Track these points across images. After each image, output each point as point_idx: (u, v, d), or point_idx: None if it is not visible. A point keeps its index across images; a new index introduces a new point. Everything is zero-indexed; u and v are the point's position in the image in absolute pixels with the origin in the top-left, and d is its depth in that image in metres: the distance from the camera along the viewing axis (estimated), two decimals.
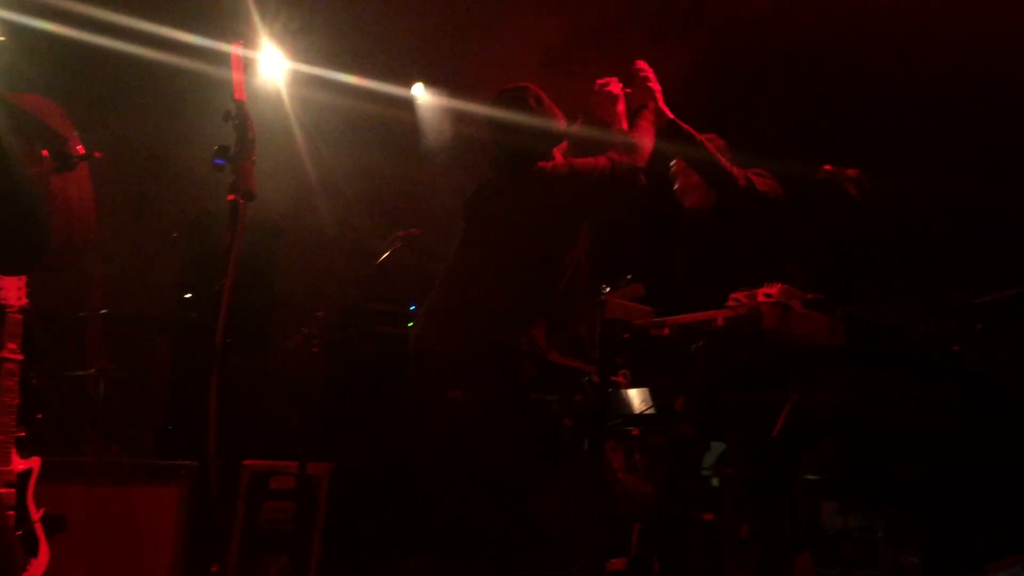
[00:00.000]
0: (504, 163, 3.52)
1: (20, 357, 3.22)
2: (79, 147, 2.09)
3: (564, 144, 3.64)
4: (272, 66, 5.51)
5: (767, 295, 3.37)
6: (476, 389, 3.20)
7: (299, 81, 5.66)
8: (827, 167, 3.45)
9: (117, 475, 3.75)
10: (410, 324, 5.00)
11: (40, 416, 3.87)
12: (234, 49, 2.53)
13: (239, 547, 4.10)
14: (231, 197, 2.31)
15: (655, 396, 4.16)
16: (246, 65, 5.55)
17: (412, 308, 5.12)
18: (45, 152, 1.99)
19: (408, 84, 6.00)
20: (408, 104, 6.02)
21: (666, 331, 3.73)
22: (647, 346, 3.87)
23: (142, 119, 5.60)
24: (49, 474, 3.35)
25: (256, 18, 4.96)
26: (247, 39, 5.24)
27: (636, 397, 4.21)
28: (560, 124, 3.54)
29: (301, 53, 5.54)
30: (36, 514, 3.24)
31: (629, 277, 4.05)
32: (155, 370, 5.16)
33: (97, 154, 2.11)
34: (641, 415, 4.17)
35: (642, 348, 3.90)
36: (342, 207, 6.08)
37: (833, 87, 5.06)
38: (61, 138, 2.08)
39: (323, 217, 6.02)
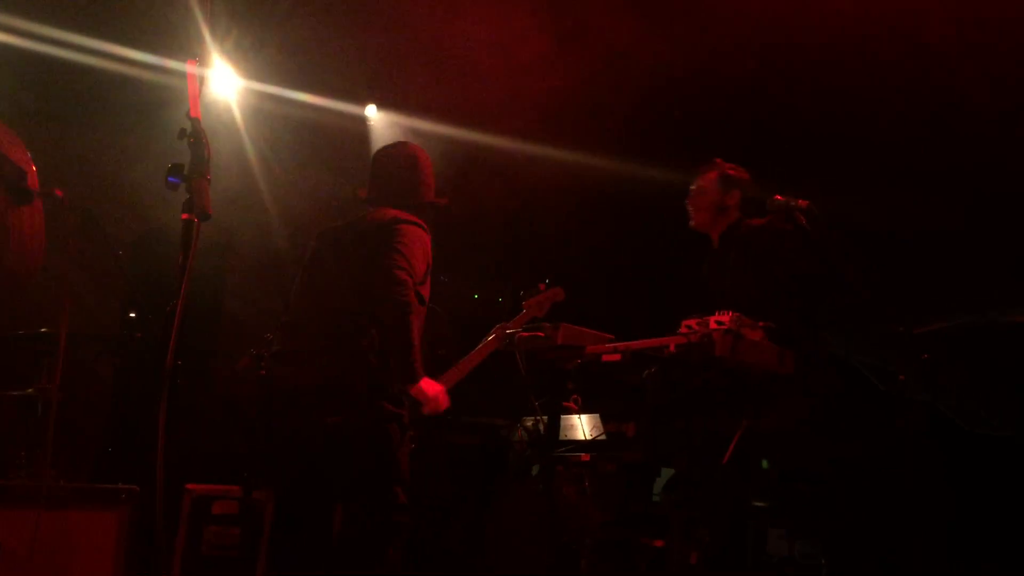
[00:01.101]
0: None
1: None
2: (35, 181, 2.10)
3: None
4: (223, 83, 5.47)
5: (719, 323, 3.40)
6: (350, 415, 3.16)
7: (251, 98, 5.62)
8: (778, 197, 3.50)
9: (54, 499, 3.62)
10: None
11: None
12: (189, 67, 2.49)
13: (180, 574, 4.00)
14: (185, 216, 2.26)
15: (606, 422, 4.17)
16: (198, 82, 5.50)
17: None
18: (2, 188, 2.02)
19: (360, 101, 5.99)
20: (360, 120, 6.01)
21: (618, 357, 3.74)
22: (599, 372, 3.88)
23: (88, 135, 5.50)
24: None
25: (207, 36, 4.91)
26: (199, 57, 5.18)
27: (587, 423, 4.22)
28: (428, 196, 3.53)
29: (253, 71, 5.51)
30: None
31: (546, 282, 4.03)
32: (96, 391, 5.03)
33: (58, 192, 2.12)
34: (592, 441, 4.18)
35: (594, 374, 3.91)
36: (293, 225, 6.03)
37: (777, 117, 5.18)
38: (20, 172, 2.08)
39: (274, 235, 5.96)
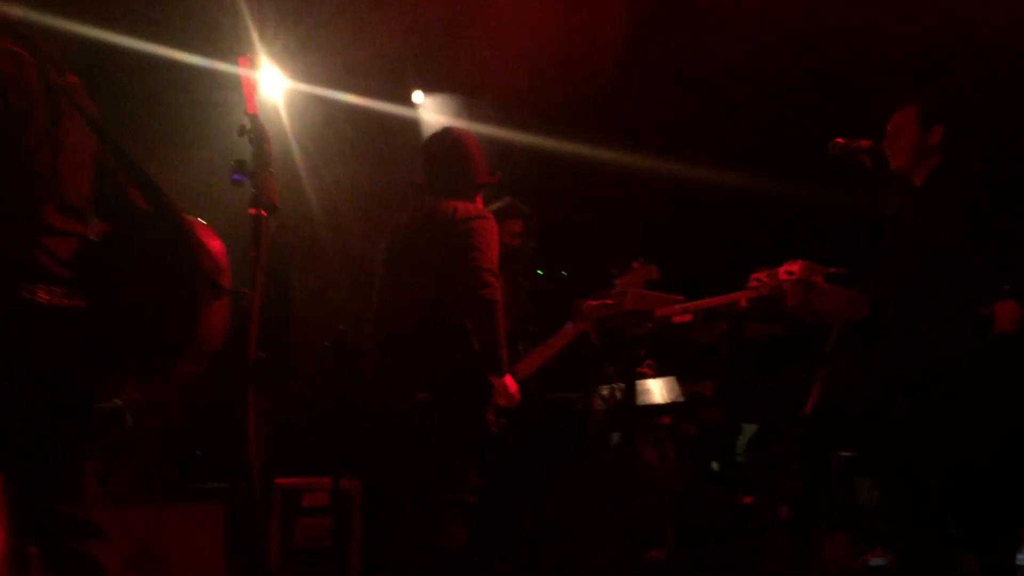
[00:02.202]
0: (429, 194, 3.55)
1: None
2: (228, 279, 2.32)
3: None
4: (271, 84, 5.53)
5: (789, 272, 3.36)
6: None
7: (297, 98, 5.68)
8: (839, 140, 3.43)
9: (154, 499, 3.76)
10: None
11: None
12: (241, 65, 2.53)
13: (278, 565, 4.09)
14: (253, 211, 2.30)
15: (682, 384, 4.16)
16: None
17: None
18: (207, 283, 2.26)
19: (406, 100, 6.02)
20: (408, 120, 6.04)
21: (689, 317, 3.72)
22: (671, 334, 3.87)
23: (141, 138, 5.61)
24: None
25: (255, 38, 4.97)
26: (249, 58, 5.25)
27: (663, 387, 4.21)
28: (482, 178, 3.55)
29: (299, 71, 5.57)
30: None
31: (640, 260, 4.01)
32: (176, 396, 5.17)
33: (245, 291, 2.29)
34: (670, 404, 4.17)
35: (666, 336, 3.90)
36: (340, 220, 6.10)
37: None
38: (218, 269, 2.29)
39: (322, 232, 6.03)
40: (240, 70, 2.49)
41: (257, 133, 2.37)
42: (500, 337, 3.24)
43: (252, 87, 2.48)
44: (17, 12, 2.33)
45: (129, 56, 4.92)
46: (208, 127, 5.67)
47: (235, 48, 5.23)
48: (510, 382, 3.31)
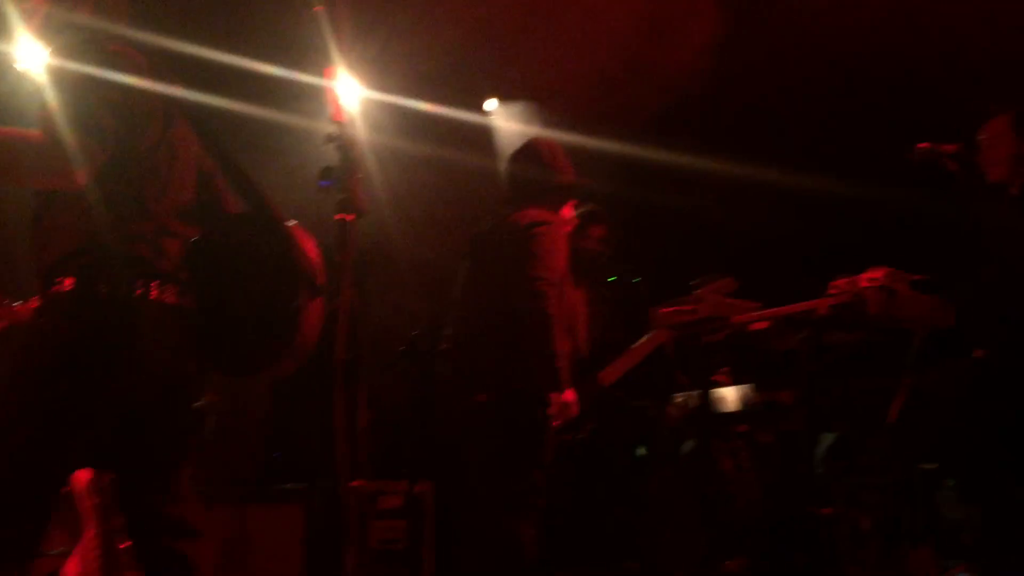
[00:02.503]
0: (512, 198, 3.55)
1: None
2: (324, 279, 2.35)
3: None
4: (347, 94, 5.62)
5: (871, 279, 3.31)
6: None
7: (373, 107, 5.76)
8: (922, 145, 3.37)
9: (239, 498, 3.85)
10: None
11: None
12: (327, 75, 2.59)
13: (354, 567, 4.14)
14: (339, 216, 2.34)
15: (759, 391, 4.11)
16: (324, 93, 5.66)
17: None
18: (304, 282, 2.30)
19: (479, 107, 6.07)
20: (480, 127, 6.08)
21: (766, 324, 3.69)
22: (747, 342, 3.83)
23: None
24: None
25: (333, 49, 5.06)
26: (329, 69, 5.36)
27: (739, 395, 4.17)
28: (561, 180, 3.53)
29: (375, 81, 5.65)
30: None
31: (717, 273, 4.00)
32: (255, 400, 5.27)
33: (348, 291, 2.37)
34: (746, 412, 4.12)
35: (743, 344, 3.86)
36: (413, 227, 6.16)
37: None
38: (316, 270, 2.33)
39: (395, 238, 6.10)
40: (325, 80, 2.55)
41: (344, 140, 2.42)
42: (552, 347, 3.21)
43: (336, 95, 2.54)
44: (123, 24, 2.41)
45: (209, 68, 5.06)
46: (287, 137, 5.80)
47: (313, 59, 5.35)
48: (568, 396, 3.28)
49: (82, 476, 2.58)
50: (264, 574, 3.82)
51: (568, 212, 3.54)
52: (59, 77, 2.19)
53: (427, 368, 4.41)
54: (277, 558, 3.84)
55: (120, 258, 2.22)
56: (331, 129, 2.47)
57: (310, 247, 2.36)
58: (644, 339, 3.76)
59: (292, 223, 2.40)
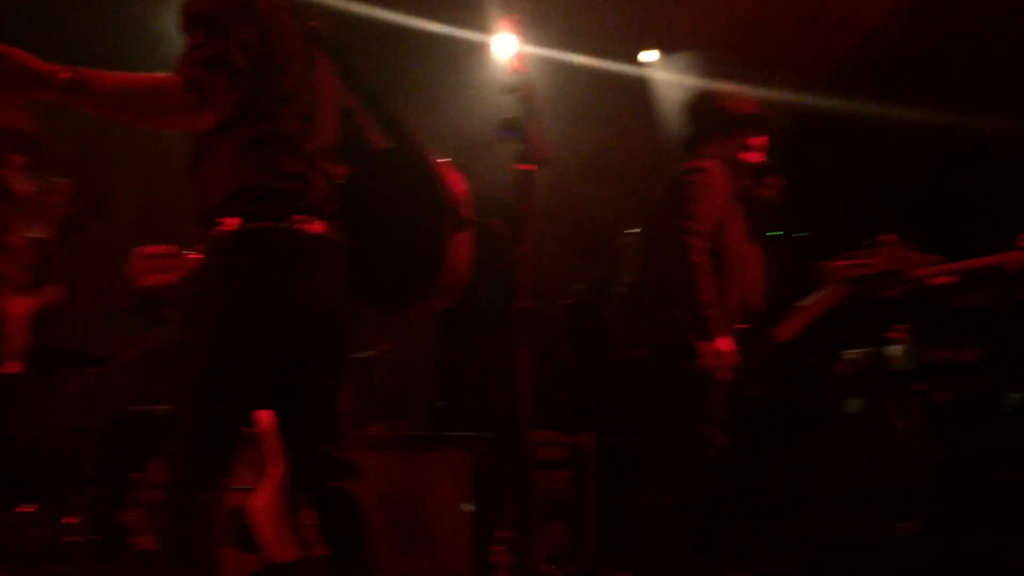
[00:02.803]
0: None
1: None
2: (470, 211, 2.35)
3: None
4: (504, 49, 5.65)
5: None
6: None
7: (532, 63, 5.75)
8: None
9: (407, 446, 3.97)
10: None
11: None
12: (506, 24, 2.60)
13: (516, 515, 4.23)
14: (520, 166, 2.36)
15: (938, 349, 3.94)
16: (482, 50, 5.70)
17: None
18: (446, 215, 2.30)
19: (635, 59, 5.98)
20: (637, 79, 5.99)
21: (948, 279, 3.51)
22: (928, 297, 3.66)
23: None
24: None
25: (492, 5, 5.09)
26: (484, 25, 5.41)
27: (916, 352, 4.01)
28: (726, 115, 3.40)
29: (532, 35, 5.63)
30: None
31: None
32: (421, 350, 5.43)
33: (492, 222, 2.37)
34: (922, 370, 3.96)
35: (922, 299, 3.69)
36: (569, 182, 6.15)
37: None
38: (462, 202, 2.33)
39: (550, 193, 6.10)
40: (509, 27, 2.56)
41: (525, 89, 2.42)
42: (702, 299, 3.15)
43: (519, 46, 2.54)
44: None
45: (369, 25, 5.18)
46: (449, 92, 5.88)
47: (472, 15, 5.41)
48: (723, 344, 3.20)
49: (267, 415, 2.60)
50: (430, 521, 3.93)
51: (748, 155, 3.42)
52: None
53: (591, 321, 4.44)
54: (443, 505, 3.94)
55: (276, 195, 2.23)
56: (511, 80, 2.47)
57: (455, 180, 2.35)
58: (819, 294, 3.64)
59: (437, 156, 2.40)
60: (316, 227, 2.26)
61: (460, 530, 3.87)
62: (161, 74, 2.13)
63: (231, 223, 2.21)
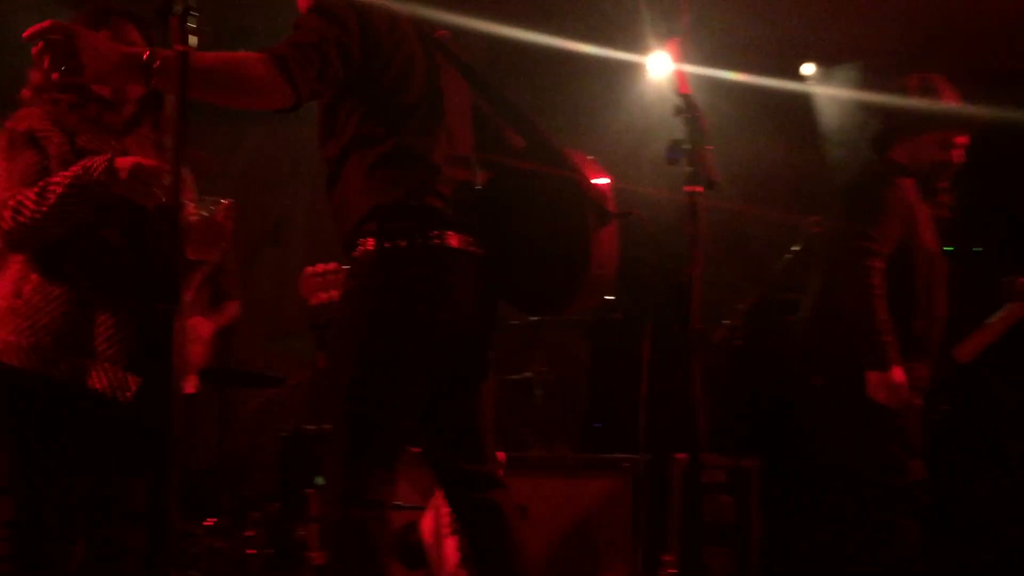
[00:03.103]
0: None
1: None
2: (613, 204, 2.34)
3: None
4: (660, 69, 5.62)
5: None
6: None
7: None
8: None
9: (566, 468, 3.98)
10: None
11: None
12: (670, 47, 2.59)
13: (680, 540, 4.17)
14: (688, 188, 2.34)
15: None
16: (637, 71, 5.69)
17: None
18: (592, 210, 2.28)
19: (795, 73, 5.83)
20: (798, 94, 5.84)
21: None
22: None
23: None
24: (508, 468, 3.61)
25: (647, 25, 5.09)
26: (638, 45, 5.41)
27: None
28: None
29: (688, 53, 5.58)
30: None
31: None
32: (575, 371, 5.43)
33: (636, 212, 2.36)
34: None
35: None
36: (725, 201, 6.03)
37: None
38: (603, 195, 2.33)
39: (723, 213, 6.01)
40: (671, 49, 2.55)
41: (691, 111, 2.40)
42: (875, 326, 2.97)
43: (681, 68, 2.52)
44: None
45: (523, 50, 5.25)
46: (600, 115, 5.90)
47: (627, 36, 5.42)
48: (896, 375, 3.01)
49: None
50: (591, 543, 3.92)
51: (947, 155, 3.24)
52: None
53: (755, 343, 4.34)
54: (604, 528, 3.93)
55: (408, 213, 2.25)
56: (676, 102, 2.45)
57: (598, 174, 2.34)
58: (1002, 312, 3.45)
59: (574, 152, 2.38)
60: (452, 241, 2.27)
61: (622, 553, 3.85)
62: (246, 52, 2.13)
63: (368, 244, 2.25)
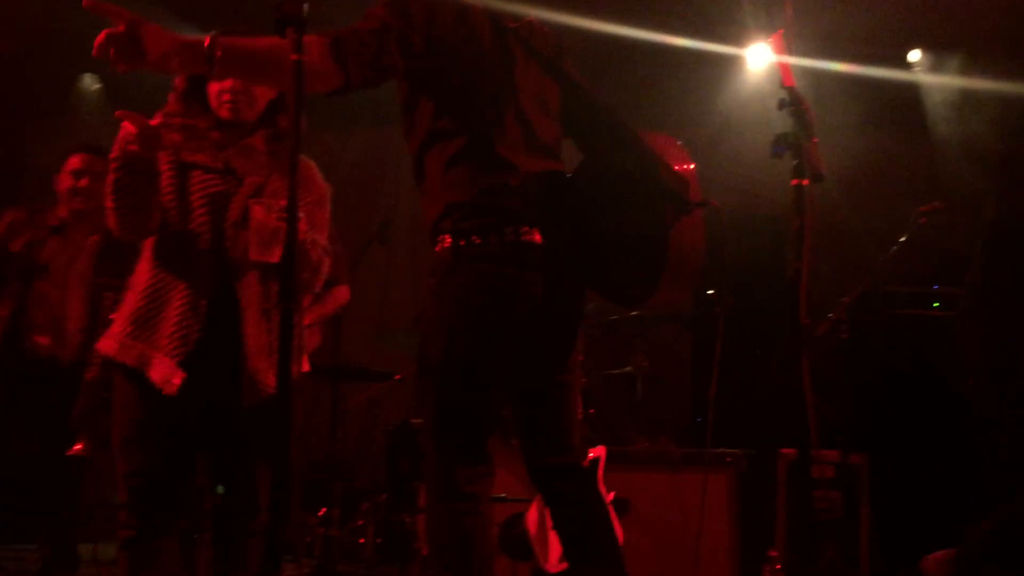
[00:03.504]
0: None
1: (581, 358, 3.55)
2: (697, 192, 2.28)
3: None
4: (759, 61, 5.56)
5: None
6: None
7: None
8: None
9: (668, 463, 3.98)
10: (935, 305, 4.71)
11: (591, 411, 4.26)
12: (775, 40, 2.57)
13: (786, 535, 4.13)
14: (795, 182, 2.33)
15: None
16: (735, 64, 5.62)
17: (935, 288, 4.82)
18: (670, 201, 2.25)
19: (902, 61, 5.69)
20: (904, 83, 5.69)
21: None
22: None
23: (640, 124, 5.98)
24: (610, 462, 3.64)
25: (747, 18, 5.04)
26: (737, 38, 5.36)
27: None
28: None
29: (790, 45, 5.49)
30: (608, 497, 3.53)
31: None
32: (677, 366, 5.42)
33: (714, 203, 2.31)
34: None
35: None
36: (829, 193, 5.92)
37: None
38: (685, 184, 2.29)
39: (827, 205, 5.91)
40: (775, 42, 2.53)
41: (797, 104, 2.38)
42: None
43: (786, 61, 2.50)
44: None
45: (619, 44, 5.26)
46: (700, 107, 5.87)
47: (725, 29, 5.38)
48: None
49: None
50: (694, 537, 3.91)
51: None
52: None
53: (857, 336, 4.27)
54: (706, 522, 3.91)
55: (484, 210, 2.25)
56: (779, 94, 2.43)
57: (681, 161, 2.30)
58: None
59: (659, 137, 2.35)
60: (528, 236, 2.26)
61: (726, 548, 3.84)
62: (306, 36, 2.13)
63: (445, 241, 2.27)
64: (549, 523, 3.67)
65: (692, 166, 2.31)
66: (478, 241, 2.23)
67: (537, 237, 2.26)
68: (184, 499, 2.53)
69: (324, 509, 4.52)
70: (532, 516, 3.75)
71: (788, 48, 2.55)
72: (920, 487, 4.37)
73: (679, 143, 2.38)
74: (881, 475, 4.25)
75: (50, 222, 3.72)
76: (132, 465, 2.43)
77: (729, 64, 5.66)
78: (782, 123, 2.43)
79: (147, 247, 2.55)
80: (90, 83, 6.47)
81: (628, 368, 4.67)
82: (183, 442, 2.47)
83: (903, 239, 4.28)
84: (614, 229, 2.32)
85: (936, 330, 4.53)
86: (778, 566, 3.60)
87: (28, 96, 6.53)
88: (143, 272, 2.52)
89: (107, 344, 2.49)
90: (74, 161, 3.72)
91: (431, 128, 2.29)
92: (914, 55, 5.66)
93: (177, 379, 2.40)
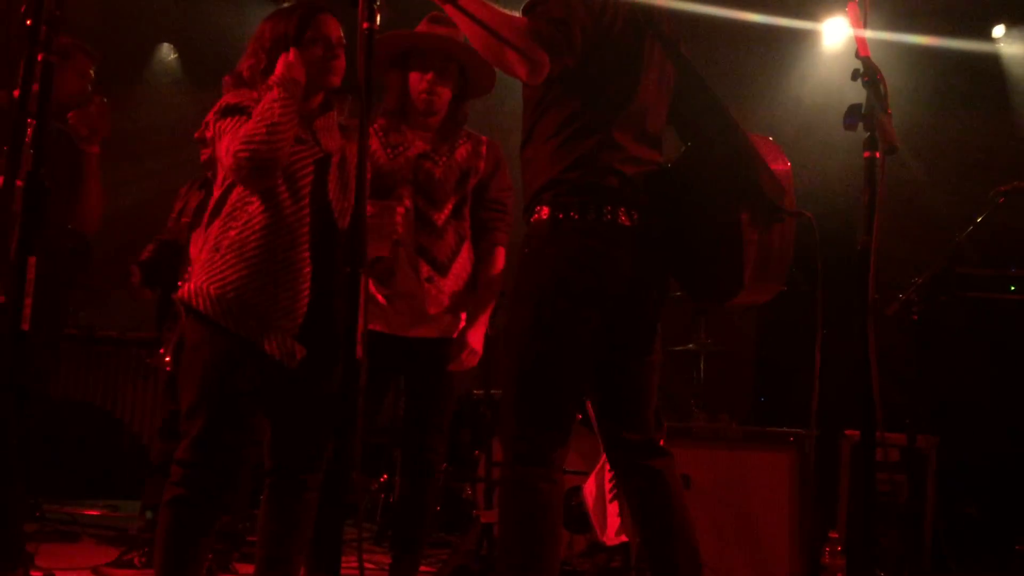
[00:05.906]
0: None
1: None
2: (792, 201, 2.27)
3: None
4: (837, 34, 5.44)
5: None
6: None
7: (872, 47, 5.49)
8: None
9: (731, 440, 3.95)
10: (1012, 288, 4.58)
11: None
12: (850, 9, 2.51)
13: (848, 518, 4.08)
14: (867, 154, 2.27)
15: None
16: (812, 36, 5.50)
17: (1012, 271, 4.69)
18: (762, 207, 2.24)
19: (987, 34, 5.49)
20: (988, 56, 5.50)
21: None
22: None
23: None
24: (671, 438, 3.62)
25: None
26: (813, 13, 5.25)
27: None
28: None
29: (872, 19, 5.36)
30: None
31: None
32: (741, 343, 5.37)
33: (807, 214, 2.30)
34: None
35: None
36: (907, 169, 5.78)
37: None
38: (781, 191, 2.27)
39: (902, 183, 5.77)
40: (851, 11, 2.47)
41: (871, 75, 2.33)
42: None
43: (862, 30, 2.44)
44: None
45: (691, 20, 5.19)
46: (770, 83, 5.76)
47: (800, 3, 5.27)
48: None
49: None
50: (755, 518, 3.88)
51: None
52: None
53: (926, 316, 4.17)
54: (767, 501, 3.88)
55: (586, 188, 2.29)
56: (856, 65, 2.37)
57: (778, 167, 2.28)
58: None
59: (762, 139, 2.33)
60: (624, 218, 2.30)
61: (787, 528, 3.80)
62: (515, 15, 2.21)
63: (543, 212, 2.31)
64: (608, 496, 3.68)
65: (787, 166, 2.31)
66: (576, 216, 2.28)
67: (631, 220, 2.30)
68: (239, 470, 2.51)
69: (385, 475, 4.58)
70: (590, 489, 3.76)
71: (863, 19, 2.49)
72: (989, 474, 4.27)
73: (772, 140, 2.37)
74: (949, 460, 4.16)
75: None
76: (199, 425, 2.40)
77: (804, 40, 5.54)
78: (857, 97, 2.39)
79: (234, 206, 2.47)
80: (167, 53, 6.60)
81: (691, 345, 4.64)
82: (253, 406, 2.47)
83: (980, 219, 4.16)
84: (706, 226, 2.33)
85: (1012, 313, 4.42)
86: (839, 547, 3.57)
87: (107, 65, 6.71)
88: (240, 231, 2.43)
89: (203, 303, 2.40)
90: None
91: (554, 102, 2.33)
92: (998, 30, 5.47)
93: (299, 353, 2.41)
